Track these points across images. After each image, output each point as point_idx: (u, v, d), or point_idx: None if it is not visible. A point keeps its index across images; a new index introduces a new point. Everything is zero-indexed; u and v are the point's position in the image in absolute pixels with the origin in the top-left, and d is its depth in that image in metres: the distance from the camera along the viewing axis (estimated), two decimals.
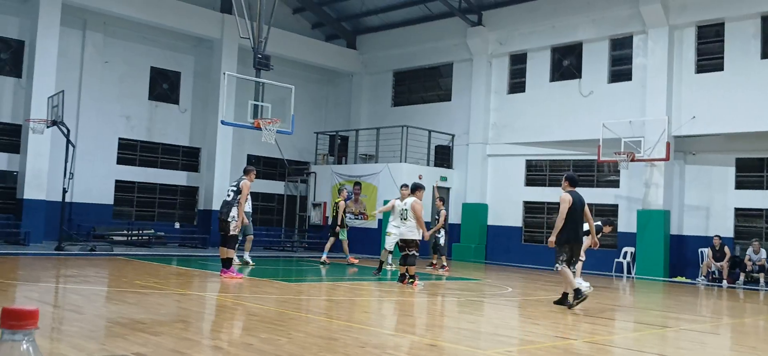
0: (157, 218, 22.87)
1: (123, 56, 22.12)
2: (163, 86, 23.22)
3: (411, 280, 12.20)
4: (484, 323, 9.20)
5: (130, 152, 22.44)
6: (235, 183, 12.41)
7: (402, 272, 12.45)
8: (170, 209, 23.37)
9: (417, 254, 12.38)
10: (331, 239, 16.90)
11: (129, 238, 20.96)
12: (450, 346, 6.88)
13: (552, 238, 10.08)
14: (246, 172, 12.69)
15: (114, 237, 20.42)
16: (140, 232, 21.34)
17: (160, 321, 7.43)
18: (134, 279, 11.45)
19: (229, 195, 12.26)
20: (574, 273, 10.16)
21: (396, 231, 13.10)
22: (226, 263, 12.17)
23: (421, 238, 12.26)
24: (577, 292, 9.98)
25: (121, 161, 22.17)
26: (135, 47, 22.37)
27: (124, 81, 22.16)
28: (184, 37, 22.88)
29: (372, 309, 9.92)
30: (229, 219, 11.99)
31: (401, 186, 13.95)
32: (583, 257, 14.27)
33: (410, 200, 12.31)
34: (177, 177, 23.33)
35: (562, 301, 10.27)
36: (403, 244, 12.36)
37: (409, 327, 8.41)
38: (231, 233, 12.11)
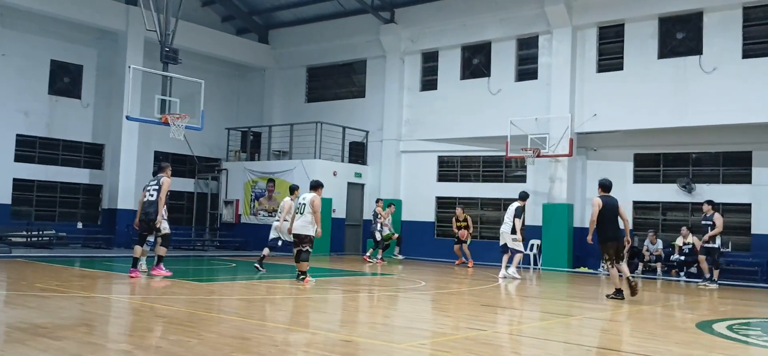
0: (58, 218, 21.90)
1: (21, 49, 21.03)
2: (64, 80, 22.23)
3: (302, 277, 12.10)
4: (398, 317, 9.31)
5: (28, 149, 21.37)
6: (154, 182, 12.27)
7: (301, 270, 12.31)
8: (72, 208, 22.41)
9: (310, 250, 12.22)
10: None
11: (28, 239, 19.96)
12: (364, 341, 6.93)
13: (588, 237, 11.45)
14: (162, 168, 12.54)
15: (12, 239, 19.36)
16: (40, 233, 20.37)
17: (63, 325, 7.13)
18: (34, 282, 10.94)
19: (152, 195, 12.12)
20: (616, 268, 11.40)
21: (277, 225, 13.65)
22: (159, 260, 12.41)
23: (315, 235, 12.15)
24: (618, 292, 11.26)
25: (19, 158, 21.08)
26: (34, 39, 21.30)
27: (22, 75, 21.07)
28: (87, 29, 21.96)
29: (286, 307, 9.85)
30: (154, 219, 12.06)
31: (293, 187, 14.12)
32: (523, 250, 15.40)
33: (310, 195, 12.23)
34: (79, 175, 22.40)
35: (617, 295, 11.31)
36: (297, 240, 12.18)
37: (324, 323, 8.41)
38: (163, 232, 12.35)
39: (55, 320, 7.42)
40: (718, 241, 15.05)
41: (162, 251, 12.46)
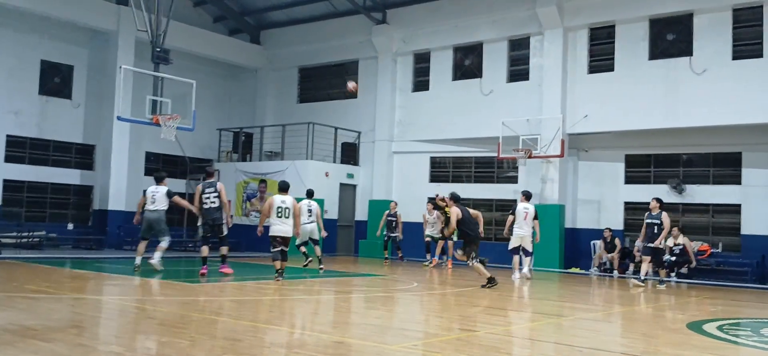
0: (48, 219, 21.77)
1: (11, 49, 20.90)
2: (55, 80, 22.11)
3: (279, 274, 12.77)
4: (391, 318, 9.31)
5: (19, 149, 21.24)
6: (211, 188, 13.12)
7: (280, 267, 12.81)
8: (63, 209, 22.29)
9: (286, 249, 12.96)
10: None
11: (18, 240, 19.82)
12: (357, 342, 6.92)
13: (454, 233, 13.03)
14: (210, 174, 13.89)
15: (2, 240, 19.23)
16: (31, 234, 20.24)
17: (53, 327, 7.09)
18: (25, 284, 10.87)
19: (214, 202, 13.08)
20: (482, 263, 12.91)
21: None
22: (224, 259, 13.41)
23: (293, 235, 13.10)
24: (491, 280, 12.49)
25: (9, 159, 20.95)
26: (24, 39, 21.18)
27: (13, 75, 20.94)
28: (78, 29, 21.85)
29: (278, 308, 9.84)
30: (222, 224, 13.21)
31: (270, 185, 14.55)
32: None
33: (290, 199, 12.86)
34: (70, 176, 22.28)
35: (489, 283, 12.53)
36: (281, 241, 12.70)
37: (316, 324, 8.40)
38: (225, 233, 13.33)
39: (45, 322, 7.38)
40: (665, 241, 14.59)
41: (225, 250, 13.50)
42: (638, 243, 17.99)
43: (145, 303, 9.38)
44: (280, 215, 12.59)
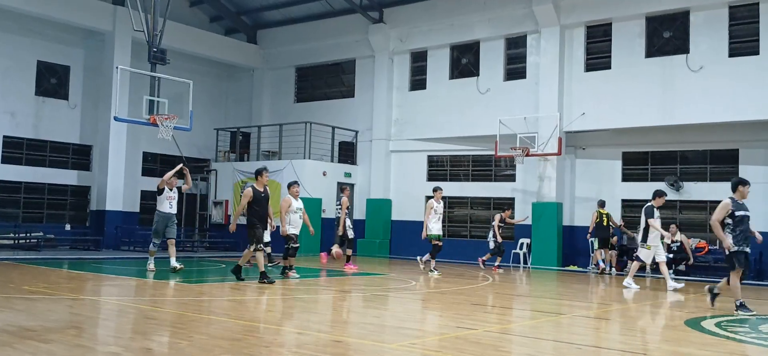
0: (45, 220, 21.75)
1: (6, 50, 20.88)
2: (51, 81, 22.08)
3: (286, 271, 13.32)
4: (389, 317, 9.31)
5: (15, 150, 21.22)
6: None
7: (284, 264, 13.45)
8: (60, 210, 22.26)
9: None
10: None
11: (16, 241, 19.82)
12: (355, 341, 6.92)
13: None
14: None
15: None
16: (28, 235, 20.23)
17: (51, 327, 7.07)
18: (22, 285, 10.85)
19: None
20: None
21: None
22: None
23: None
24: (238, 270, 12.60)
25: (5, 160, 20.94)
26: (20, 40, 21.15)
27: (9, 76, 20.93)
28: (74, 29, 21.82)
29: (277, 307, 9.83)
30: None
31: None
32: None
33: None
34: (67, 176, 22.26)
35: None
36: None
37: (315, 323, 8.39)
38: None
39: (43, 322, 7.37)
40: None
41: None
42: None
43: (143, 303, 9.36)
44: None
